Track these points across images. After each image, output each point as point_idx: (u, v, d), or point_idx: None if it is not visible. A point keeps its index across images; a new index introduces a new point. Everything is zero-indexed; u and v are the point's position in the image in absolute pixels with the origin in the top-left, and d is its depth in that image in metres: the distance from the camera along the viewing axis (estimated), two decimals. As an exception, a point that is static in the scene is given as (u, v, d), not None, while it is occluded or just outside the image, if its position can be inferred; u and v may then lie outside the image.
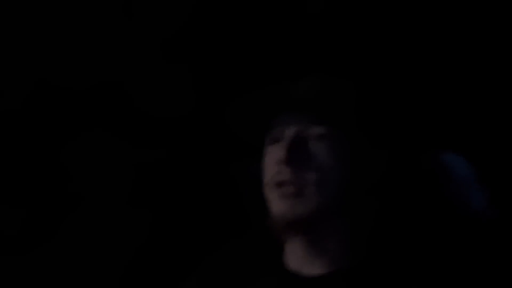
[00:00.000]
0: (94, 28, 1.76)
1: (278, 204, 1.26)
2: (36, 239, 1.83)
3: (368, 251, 1.31)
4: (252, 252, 1.38)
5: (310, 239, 1.28)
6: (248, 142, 1.37)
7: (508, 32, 1.65)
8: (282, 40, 1.73)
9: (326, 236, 1.28)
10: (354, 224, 1.30)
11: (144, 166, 1.89)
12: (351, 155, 1.28)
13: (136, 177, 1.89)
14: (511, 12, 1.61)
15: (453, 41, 1.68)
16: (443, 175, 1.77)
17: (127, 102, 1.92)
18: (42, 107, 1.89)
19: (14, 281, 1.79)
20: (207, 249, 1.71)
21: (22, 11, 1.75)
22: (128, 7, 1.75)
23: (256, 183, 1.34)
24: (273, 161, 1.28)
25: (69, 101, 1.90)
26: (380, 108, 1.36)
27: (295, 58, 1.70)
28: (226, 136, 1.72)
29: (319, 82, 1.31)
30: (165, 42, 1.80)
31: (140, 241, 1.83)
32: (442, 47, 1.69)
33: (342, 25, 1.66)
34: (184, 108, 1.87)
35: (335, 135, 1.27)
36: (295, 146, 1.26)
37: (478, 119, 1.81)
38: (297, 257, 1.30)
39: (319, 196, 1.25)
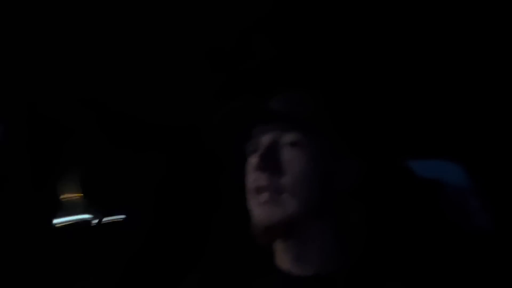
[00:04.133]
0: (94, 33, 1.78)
1: (256, 211, 1.31)
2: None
3: (359, 255, 1.33)
4: (246, 252, 1.41)
5: (294, 243, 1.32)
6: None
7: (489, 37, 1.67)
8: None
9: (310, 240, 1.31)
10: (339, 227, 1.32)
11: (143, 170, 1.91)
12: (324, 161, 1.32)
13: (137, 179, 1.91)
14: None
15: (436, 46, 1.70)
16: (439, 184, 1.78)
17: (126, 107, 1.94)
18: (46, 109, 1.91)
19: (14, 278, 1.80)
20: (204, 250, 1.73)
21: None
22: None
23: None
24: (251, 169, 1.34)
25: (70, 106, 1.92)
26: (352, 115, 1.40)
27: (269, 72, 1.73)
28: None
29: (289, 95, 1.37)
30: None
31: (137, 246, 1.85)
32: (425, 52, 1.71)
33: (315, 36, 1.69)
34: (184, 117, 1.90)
35: (307, 141, 1.32)
36: (268, 153, 1.32)
37: (476, 128, 1.82)
38: (286, 259, 1.33)
39: (294, 202, 1.29)
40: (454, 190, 1.80)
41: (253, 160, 1.34)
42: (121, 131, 1.92)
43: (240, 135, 1.38)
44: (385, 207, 1.49)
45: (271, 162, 1.31)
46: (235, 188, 1.42)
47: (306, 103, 1.35)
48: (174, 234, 1.84)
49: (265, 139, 1.34)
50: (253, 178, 1.33)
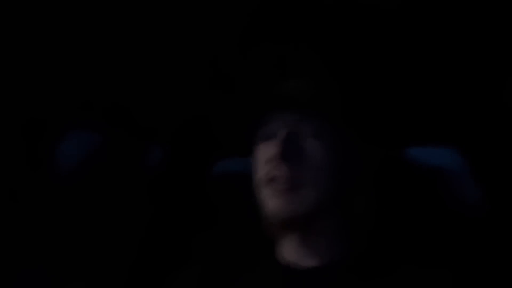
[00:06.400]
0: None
1: (272, 201, 1.26)
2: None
3: (361, 244, 1.33)
4: (245, 245, 1.40)
5: (305, 235, 1.29)
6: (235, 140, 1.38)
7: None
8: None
9: (320, 232, 1.29)
10: (347, 219, 1.31)
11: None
12: (341, 151, 1.29)
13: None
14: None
15: (442, 39, 1.71)
16: (436, 170, 1.79)
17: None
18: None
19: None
20: (201, 243, 1.73)
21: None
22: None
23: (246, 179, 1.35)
24: (265, 158, 1.28)
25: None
26: (366, 104, 1.39)
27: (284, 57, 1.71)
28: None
29: (308, 80, 1.33)
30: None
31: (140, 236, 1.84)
32: (430, 45, 1.71)
33: (330, 26, 1.68)
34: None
35: (326, 131, 1.28)
36: (288, 143, 1.26)
37: (471, 114, 1.84)
38: (292, 251, 1.30)
39: (314, 194, 1.25)
40: (453, 176, 1.81)
41: (268, 149, 1.28)
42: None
43: (251, 121, 1.32)
44: (388, 195, 1.49)
45: (292, 152, 1.25)
46: (237, 179, 1.40)
47: (326, 90, 1.32)
48: (172, 225, 1.84)
49: (283, 127, 1.29)
50: (269, 168, 1.27)
